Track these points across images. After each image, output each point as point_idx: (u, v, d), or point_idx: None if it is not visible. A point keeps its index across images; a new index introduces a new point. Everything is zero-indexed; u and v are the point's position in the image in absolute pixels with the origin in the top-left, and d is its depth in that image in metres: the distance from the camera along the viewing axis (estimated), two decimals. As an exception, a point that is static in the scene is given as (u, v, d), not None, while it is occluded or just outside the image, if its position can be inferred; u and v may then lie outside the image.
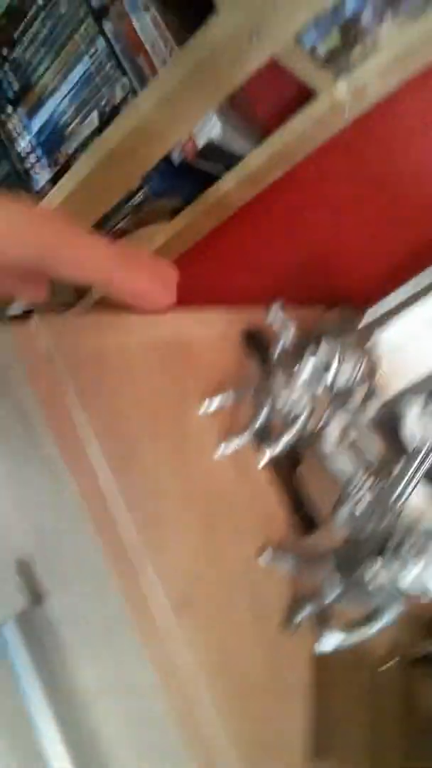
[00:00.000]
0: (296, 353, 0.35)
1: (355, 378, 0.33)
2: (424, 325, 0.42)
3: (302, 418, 0.35)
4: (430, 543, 0.33)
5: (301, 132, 0.65)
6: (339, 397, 0.33)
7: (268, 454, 0.36)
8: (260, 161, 0.68)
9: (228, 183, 0.69)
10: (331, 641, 0.35)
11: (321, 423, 0.35)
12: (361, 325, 0.43)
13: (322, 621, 0.36)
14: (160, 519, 0.32)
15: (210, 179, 0.69)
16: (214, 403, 0.38)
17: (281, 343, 0.36)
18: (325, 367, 0.33)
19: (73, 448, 0.30)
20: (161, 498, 0.33)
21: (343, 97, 0.62)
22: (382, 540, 0.34)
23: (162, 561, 0.31)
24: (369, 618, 0.35)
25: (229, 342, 0.45)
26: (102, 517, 0.29)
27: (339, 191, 0.74)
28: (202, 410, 0.38)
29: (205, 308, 0.44)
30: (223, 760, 0.29)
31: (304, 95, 0.61)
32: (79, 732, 0.30)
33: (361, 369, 0.33)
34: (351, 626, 0.35)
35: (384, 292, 0.67)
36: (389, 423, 0.42)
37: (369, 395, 0.33)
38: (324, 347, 0.33)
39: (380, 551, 0.34)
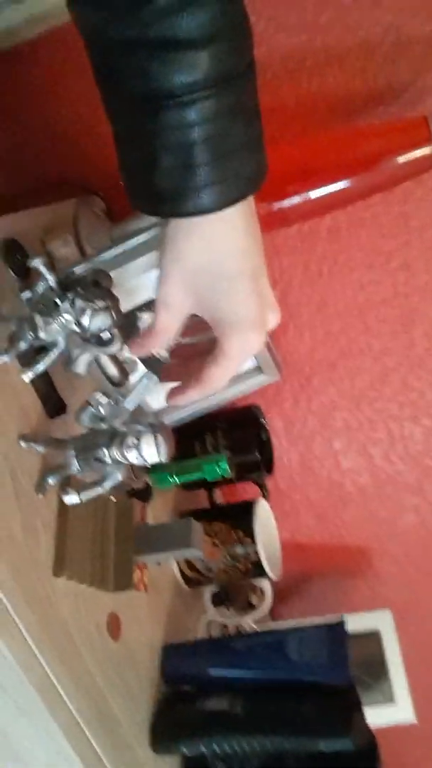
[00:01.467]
0: (54, 298, 0.44)
1: (103, 327, 0.43)
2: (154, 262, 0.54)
3: (58, 349, 0.45)
4: (143, 436, 0.47)
5: None
6: (90, 337, 0.44)
7: (30, 375, 0.46)
8: (19, 18, 0.65)
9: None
10: (71, 499, 0.49)
11: (74, 353, 0.45)
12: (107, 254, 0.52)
13: (65, 485, 0.51)
14: None
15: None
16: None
17: (40, 287, 0.45)
18: (77, 323, 0.43)
19: None
20: None
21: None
22: (112, 432, 0.48)
23: None
24: (99, 482, 0.50)
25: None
26: None
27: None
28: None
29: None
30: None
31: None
32: None
33: (109, 322, 0.43)
34: (87, 488, 0.50)
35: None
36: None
37: (112, 338, 0.45)
38: (78, 306, 0.42)
39: (110, 442, 0.48)
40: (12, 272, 0.52)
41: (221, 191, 0.35)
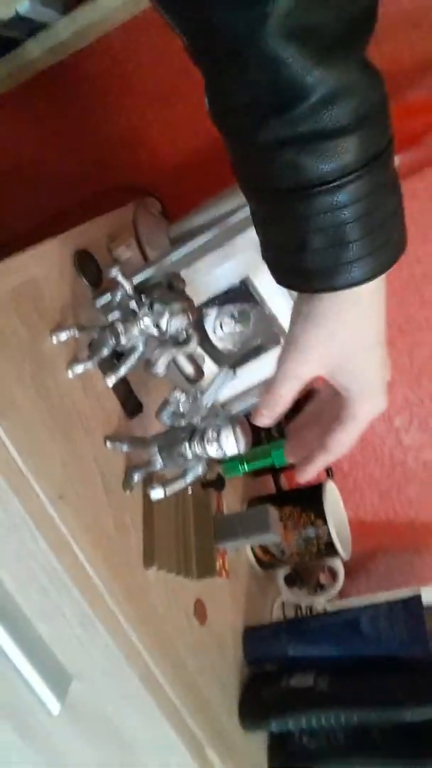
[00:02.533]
0: (131, 304, 0.46)
1: (181, 328, 0.45)
2: (220, 259, 0.55)
3: (138, 353, 0.47)
4: (222, 430, 0.49)
5: (111, 7, 0.65)
6: (169, 339, 0.46)
7: (114, 379, 0.48)
8: (67, 32, 0.66)
9: (33, 50, 0.67)
10: (157, 494, 0.52)
11: (154, 356, 0.47)
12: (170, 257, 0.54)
13: (149, 480, 0.53)
14: (36, 444, 0.44)
15: (11, 44, 0.66)
16: (60, 338, 0.48)
17: (118, 295, 0.46)
18: (156, 326, 0.45)
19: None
20: (34, 423, 0.44)
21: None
22: (191, 429, 0.50)
23: (40, 469, 0.43)
24: (182, 476, 0.52)
25: (65, 267, 0.53)
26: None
27: (146, 69, 0.75)
28: (53, 341, 0.48)
29: (38, 242, 0.50)
30: (96, 574, 0.46)
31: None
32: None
33: (186, 322, 0.45)
34: (169, 482, 0.52)
35: (189, 188, 0.75)
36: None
37: (189, 337, 0.46)
38: (156, 310, 0.44)
39: (190, 438, 0.50)
40: (86, 282, 0.54)
41: (373, 262, 0.35)
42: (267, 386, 0.44)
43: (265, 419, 0.46)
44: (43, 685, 0.46)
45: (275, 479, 0.86)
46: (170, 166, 0.79)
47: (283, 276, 0.39)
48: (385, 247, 0.35)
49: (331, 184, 0.32)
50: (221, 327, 0.64)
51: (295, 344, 0.40)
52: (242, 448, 0.49)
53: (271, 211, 0.36)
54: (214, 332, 0.64)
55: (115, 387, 0.56)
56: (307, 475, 0.48)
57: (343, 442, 0.44)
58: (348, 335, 0.38)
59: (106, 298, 0.53)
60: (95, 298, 0.56)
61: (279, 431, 0.82)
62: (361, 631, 0.68)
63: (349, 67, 0.31)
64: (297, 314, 0.39)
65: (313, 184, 0.33)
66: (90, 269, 0.55)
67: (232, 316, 0.63)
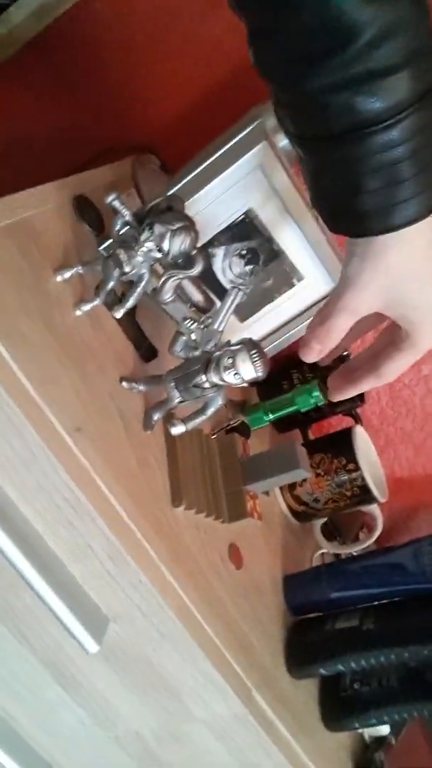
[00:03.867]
0: (133, 233, 0.45)
1: (183, 248, 0.44)
2: (221, 189, 0.54)
3: (143, 282, 0.46)
4: (237, 355, 0.48)
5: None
6: (172, 263, 0.45)
7: (122, 311, 0.47)
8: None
9: (17, 15, 0.67)
10: (178, 429, 0.51)
11: (159, 283, 0.46)
12: (173, 192, 0.53)
13: (169, 418, 0.52)
14: (48, 373, 0.43)
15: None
16: (64, 276, 0.47)
17: (118, 224, 0.46)
18: (158, 249, 0.44)
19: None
20: (44, 354, 0.43)
21: None
22: (206, 359, 0.49)
23: (55, 399, 0.42)
24: (201, 411, 0.51)
25: (64, 211, 0.52)
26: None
27: (138, 24, 0.74)
28: (58, 279, 0.47)
29: (36, 185, 0.50)
30: (121, 508, 0.45)
31: None
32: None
33: (188, 242, 0.44)
34: (189, 418, 0.51)
35: (187, 141, 0.74)
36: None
37: (194, 259, 0.45)
38: (157, 231, 0.43)
39: (206, 367, 0.49)
40: (88, 226, 0.54)
41: (427, 198, 0.35)
42: (319, 318, 0.43)
43: (314, 352, 0.45)
44: (79, 625, 0.46)
45: (303, 432, 0.85)
46: (165, 120, 0.78)
47: (338, 222, 0.39)
48: None
49: (386, 123, 0.33)
50: (230, 269, 0.63)
51: (351, 282, 0.40)
52: (260, 372, 0.47)
53: (324, 158, 0.36)
54: (224, 274, 0.63)
55: (127, 330, 0.55)
56: (346, 394, 0.48)
57: (397, 369, 0.44)
58: (404, 269, 0.38)
59: (110, 242, 0.52)
60: (99, 244, 0.55)
61: (302, 381, 0.80)
62: (405, 568, 0.66)
63: (400, 1, 0.31)
64: (351, 255, 0.40)
65: (368, 123, 0.33)
66: (90, 214, 0.55)
67: (241, 255, 0.62)
